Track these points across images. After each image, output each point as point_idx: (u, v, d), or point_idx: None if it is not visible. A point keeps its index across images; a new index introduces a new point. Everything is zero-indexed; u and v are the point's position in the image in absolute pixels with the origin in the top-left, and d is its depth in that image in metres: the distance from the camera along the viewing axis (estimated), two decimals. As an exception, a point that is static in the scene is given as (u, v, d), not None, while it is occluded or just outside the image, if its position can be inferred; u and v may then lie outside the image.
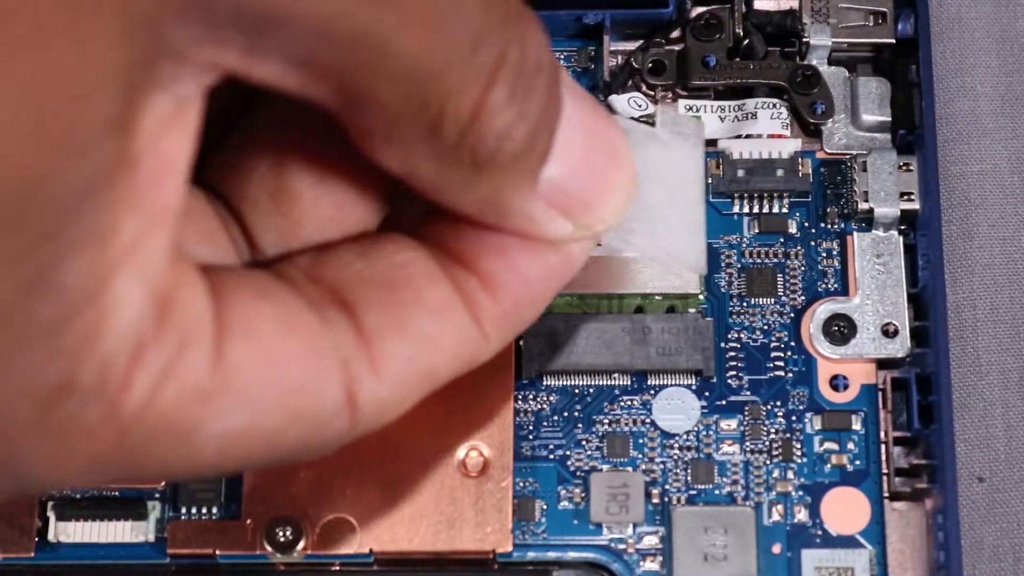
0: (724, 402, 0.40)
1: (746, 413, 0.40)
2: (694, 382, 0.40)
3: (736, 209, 0.42)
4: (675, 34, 0.43)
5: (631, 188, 0.33)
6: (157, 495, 0.39)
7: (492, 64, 0.28)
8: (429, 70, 0.28)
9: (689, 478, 0.39)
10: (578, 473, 0.40)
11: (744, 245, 0.41)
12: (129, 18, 0.24)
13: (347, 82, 0.28)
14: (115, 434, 0.27)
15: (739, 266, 0.41)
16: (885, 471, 0.39)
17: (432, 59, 0.28)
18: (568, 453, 0.40)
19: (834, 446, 0.40)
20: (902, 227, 0.41)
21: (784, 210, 0.41)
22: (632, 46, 0.43)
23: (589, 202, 0.32)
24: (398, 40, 0.27)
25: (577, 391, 0.40)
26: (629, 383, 0.40)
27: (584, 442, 0.40)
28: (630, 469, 0.40)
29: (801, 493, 0.39)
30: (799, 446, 0.40)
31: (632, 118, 0.42)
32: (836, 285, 0.41)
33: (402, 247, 0.31)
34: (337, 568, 0.39)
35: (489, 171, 0.30)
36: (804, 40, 0.42)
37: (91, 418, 0.26)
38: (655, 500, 0.39)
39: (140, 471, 0.28)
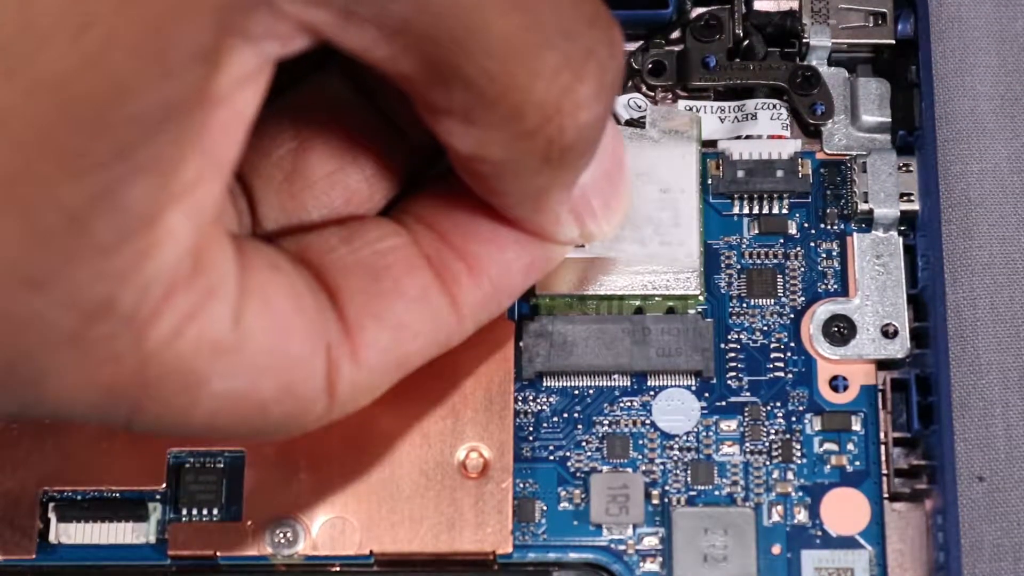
0: (724, 403, 0.40)
1: (746, 414, 0.40)
2: (694, 383, 0.40)
3: (736, 210, 0.42)
4: (675, 35, 0.43)
5: (629, 202, 0.34)
6: (158, 497, 0.40)
7: (581, 57, 0.29)
8: (522, 49, 0.28)
9: (689, 479, 0.40)
10: (578, 474, 0.40)
11: (744, 246, 0.41)
12: None
13: (437, 56, 0.28)
14: (135, 365, 0.27)
15: (739, 267, 0.41)
16: (885, 472, 0.39)
17: (526, 39, 0.28)
18: (568, 454, 0.40)
19: (834, 447, 0.40)
20: (902, 228, 0.41)
21: (784, 211, 0.41)
22: (632, 47, 0.43)
23: (601, 213, 0.33)
24: (497, 15, 0.27)
25: (577, 392, 0.40)
26: (629, 384, 0.40)
27: (584, 443, 0.40)
28: (630, 470, 0.40)
29: (801, 494, 0.39)
30: (799, 447, 0.40)
31: (632, 119, 0.42)
32: (836, 286, 0.41)
33: (385, 233, 0.32)
34: (337, 569, 0.39)
35: (557, 164, 0.30)
36: (804, 41, 0.42)
37: (120, 343, 0.27)
38: (655, 501, 0.39)
39: (140, 415, 0.29)
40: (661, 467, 0.40)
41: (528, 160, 0.30)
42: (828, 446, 0.40)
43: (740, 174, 0.41)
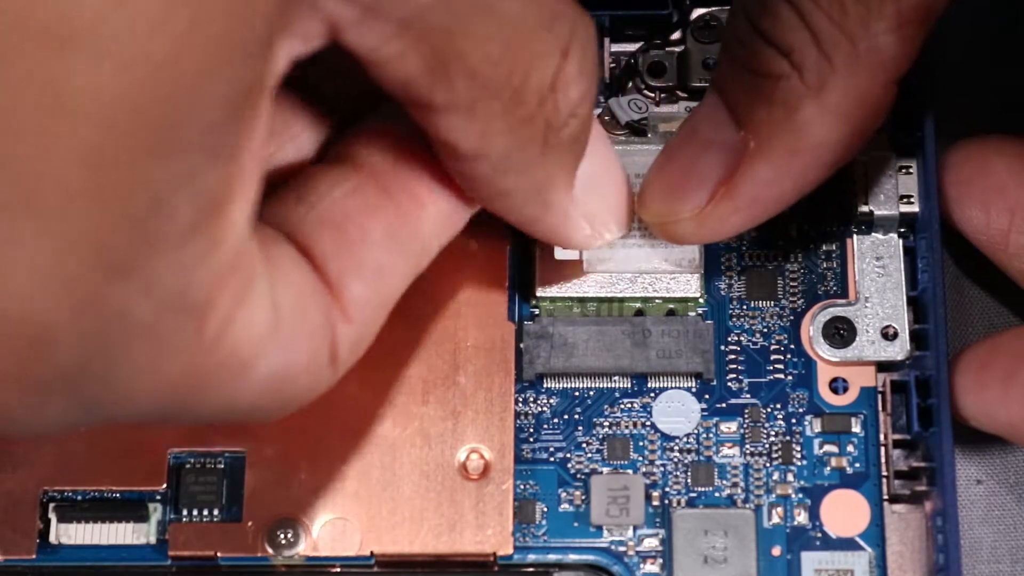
0: (724, 405, 0.40)
1: (746, 416, 0.40)
2: (694, 385, 0.40)
3: (736, 211, 0.42)
4: (675, 35, 0.43)
5: (630, 206, 0.36)
6: (158, 497, 0.40)
7: (567, 35, 0.30)
8: (522, 30, 0.29)
9: (689, 480, 0.40)
10: (578, 475, 0.40)
11: (744, 248, 0.41)
12: None
13: (444, 46, 0.29)
14: (196, 355, 0.27)
15: (739, 269, 0.41)
16: (885, 474, 0.39)
17: (526, 18, 0.29)
18: (568, 456, 0.40)
19: (834, 448, 0.40)
20: (902, 230, 0.41)
21: (783, 212, 0.41)
22: (632, 47, 0.43)
23: (608, 203, 0.35)
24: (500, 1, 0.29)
25: (577, 394, 0.40)
26: (629, 386, 0.40)
27: (584, 444, 0.40)
28: (630, 472, 0.40)
29: (801, 495, 0.39)
30: (799, 449, 0.40)
31: (632, 121, 0.42)
32: (836, 288, 0.41)
33: (335, 181, 0.32)
34: (338, 570, 0.39)
35: (553, 149, 0.31)
36: (804, 42, 0.42)
37: (185, 334, 0.27)
38: (655, 502, 0.39)
39: (192, 406, 0.29)
40: (661, 469, 0.40)
41: (529, 148, 0.31)
42: (828, 448, 0.40)
43: (740, 176, 0.41)
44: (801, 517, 0.39)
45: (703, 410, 0.40)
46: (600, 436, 0.40)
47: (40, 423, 0.28)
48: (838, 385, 0.40)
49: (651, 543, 0.39)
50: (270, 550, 0.39)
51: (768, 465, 0.40)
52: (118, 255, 0.25)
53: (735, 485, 0.39)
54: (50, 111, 0.23)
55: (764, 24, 0.34)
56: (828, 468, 0.39)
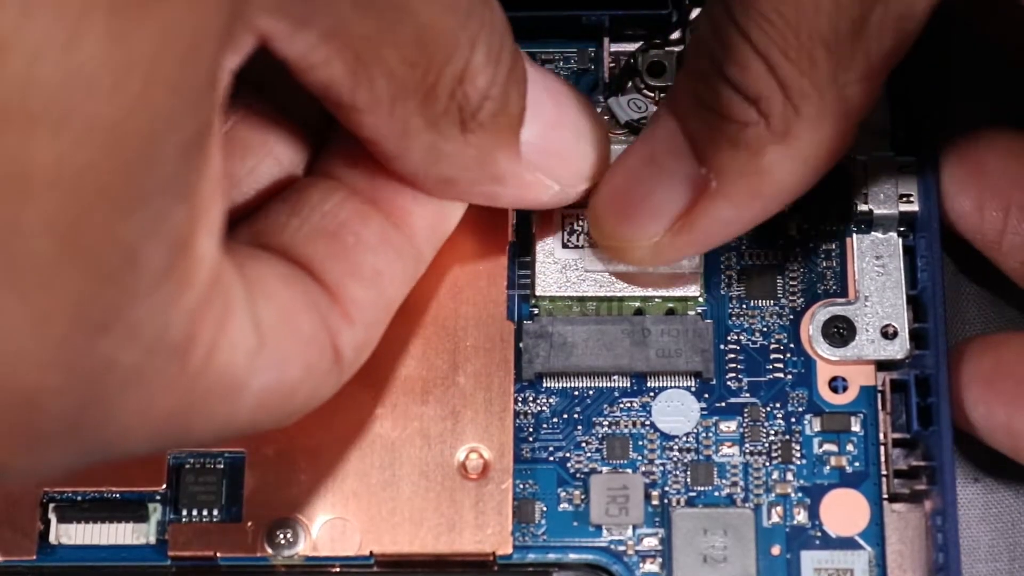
0: (723, 404, 0.40)
1: (745, 415, 0.40)
2: (694, 384, 0.40)
3: (735, 211, 0.41)
4: (675, 35, 0.43)
5: (604, 142, 0.37)
6: (158, 497, 0.40)
7: (476, 29, 0.32)
8: (439, 33, 0.31)
9: (688, 480, 0.40)
10: (578, 475, 0.40)
11: (743, 247, 0.41)
12: None
13: (366, 52, 0.30)
14: (184, 388, 0.28)
15: (738, 268, 0.41)
16: (884, 473, 0.39)
17: (443, 21, 0.31)
18: (568, 455, 0.40)
19: (833, 448, 0.40)
20: (901, 229, 0.41)
21: (783, 212, 0.41)
22: (632, 47, 0.43)
23: (567, 158, 0.36)
24: (422, 4, 0.30)
25: (577, 393, 0.40)
26: (629, 385, 0.40)
27: (584, 444, 0.40)
28: (630, 471, 0.40)
29: (800, 495, 0.39)
30: (798, 448, 0.40)
31: (632, 120, 0.42)
32: (835, 287, 0.41)
33: (326, 193, 0.34)
34: (337, 570, 0.39)
35: (475, 131, 0.33)
36: (803, 41, 0.42)
37: (171, 371, 0.27)
38: (655, 502, 0.39)
39: (188, 434, 0.29)
40: (661, 468, 0.40)
41: (449, 136, 0.32)
42: (827, 447, 0.40)
43: (740, 175, 0.41)
44: (801, 516, 0.39)
45: (702, 409, 0.40)
46: (599, 435, 0.40)
47: (36, 472, 0.28)
48: (838, 384, 0.40)
49: (651, 542, 0.39)
50: (270, 550, 0.39)
51: (768, 464, 0.40)
52: (98, 311, 0.25)
53: (735, 484, 0.39)
54: (14, 186, 0.23)
55: (730, 71, 0.33)
56: (828, 467, 0.39)
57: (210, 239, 0.28)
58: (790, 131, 0.34)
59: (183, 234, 0.27)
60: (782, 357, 0.40)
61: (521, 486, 0.39)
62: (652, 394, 0.40)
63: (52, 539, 0.39)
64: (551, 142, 0.35)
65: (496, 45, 0.32)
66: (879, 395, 0.40)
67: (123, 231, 0.25)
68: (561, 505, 0.39)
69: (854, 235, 0.41)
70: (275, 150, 0.35)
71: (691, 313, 0.40)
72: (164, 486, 0.39)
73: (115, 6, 0.23)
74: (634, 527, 0.39)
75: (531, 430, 0.40)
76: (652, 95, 0.42)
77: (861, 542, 0.39)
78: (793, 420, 0.40)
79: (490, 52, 0.32)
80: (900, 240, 0.41)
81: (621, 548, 0.39)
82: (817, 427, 0.40)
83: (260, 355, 0.30)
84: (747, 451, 0.40)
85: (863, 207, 0.41)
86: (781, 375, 0.40)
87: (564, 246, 0.40)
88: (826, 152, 0.34)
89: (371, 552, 0.39)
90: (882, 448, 0.39)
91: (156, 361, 0.27)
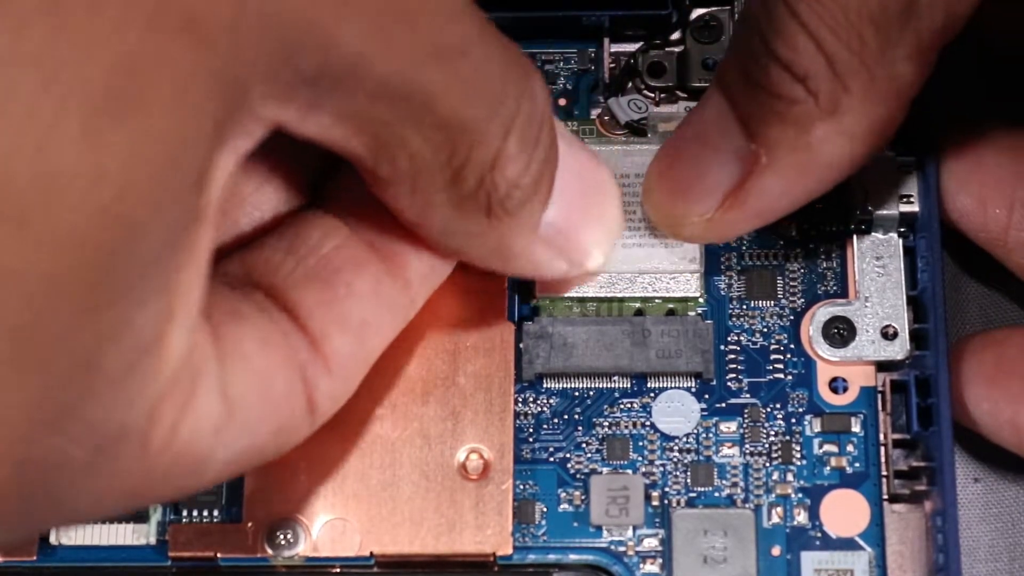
0: (724, 404, 0.40)
1: (746, 415, 0.40)
2: (694, 385, 0.40)
3: (736, 211, 0.41)
4: (675, 35, 0.43)
5: (618, 224, 0.36)
6: (158, 498, 0.40)
7: (510, 117, 0.30)
8: (464, 123, 0.29)
9: (689, 480, 0.40)
10: (578, 476, 0.40)
11: (744, 248, 0.41)
12: (223, 81, 0.25)
13: (386, 134, 0.29)
14: (145, 470, 0.28)
15: (739, 268, 0.41)
16: (884, 473, 0.39)
17: (467, 112, 0.29)
18: (568, 456, 0.40)
19: (833, 448, 0.40)
20: (901, 229, 0.41)
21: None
22: (632, 47, 0.43)
23: (583, 242, 0.35)
24: (444, 96, 0.29)
25: (577, 394, 0.40)
26: (629, 386, 0.40)
27: (584, 445, 0.40)
28: (630, 472, 0.40)
29: (800, 495, 0.39)
30: (798, 448, 0.40)
31: (632, 121, 0.42)
32: (835, 288, 0.41)
33: (327, 232, 0.33)
34: (337, 571, 0.39)
35: (499, 217, 0.32)
36: (804, 42, 0.42)
37: (128, 458, 0.27)
38: (655, 502, 0.39)
39: (155, 498, 0.29)
40: (661, 469, 0.40)
41: (472, 219, 0.31)
42: (828, 447, 0.40)
43: (740, 175, 0.41)
44: (801, 517, 0.39)
45: (703, 410, 0.40)
46: (600, 436, 0.40)
47: None
48: (838, 385, 0.40)
49: (651, 543, 0.39)
50: (270, 551, 0.39)
51: (768, 465, 0.40)
52: (51, 412, 0.25)
53: (735, 485, 0.39)
54: None
55: (779, 49, 0.34)
56: (828, 468, 0.39)
57: (184, 332, 0.27)
58: (839, 108, 0.34)
59: (153, 333, 0.26)
60: (782, 358, 0.40)
61: (521, 487, 0.39)
62: (652, 395, 0.40)
63: (52, 540, 0.39)
64: (571, 225, 0.34)
65: (533, 133, 0.31)
66: (879, 396, 0.40)
67: (80, 339, 0.24)
68: (561, 506, 0.39)
69: (854, 236, 0.41)
70: (278, 178, 0.34)
71: (691, 314, 0.40)
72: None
73: (92, 110, 0.22)
74: (634, 528, 0.39)
75: (531, 431, 0.40)
76: (652, 95, 0.43)
77: (861, 543, 0.39)
78: (793, 421, 0.40)
79: (525, 141, 0.31)
80: (900, 241, 0.41)
81: (621, 549, 0.39)
82: (817, 428, 0.40)
83: (228, 426, 0.29)
84: (747, 452, 0.40)
85: (863, 208, 0.40)
86: (781, 376, 0.40)
87: (564, 246, 0.40)
88: (876, 129, 0.34)
89: (371, 553, 0.39)
90: (882, 449, 0.39)
91: (113, 450, 0.27)
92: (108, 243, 0.24)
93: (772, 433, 0.40)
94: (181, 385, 0.28)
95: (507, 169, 0.31)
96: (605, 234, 0.36)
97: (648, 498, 0.39)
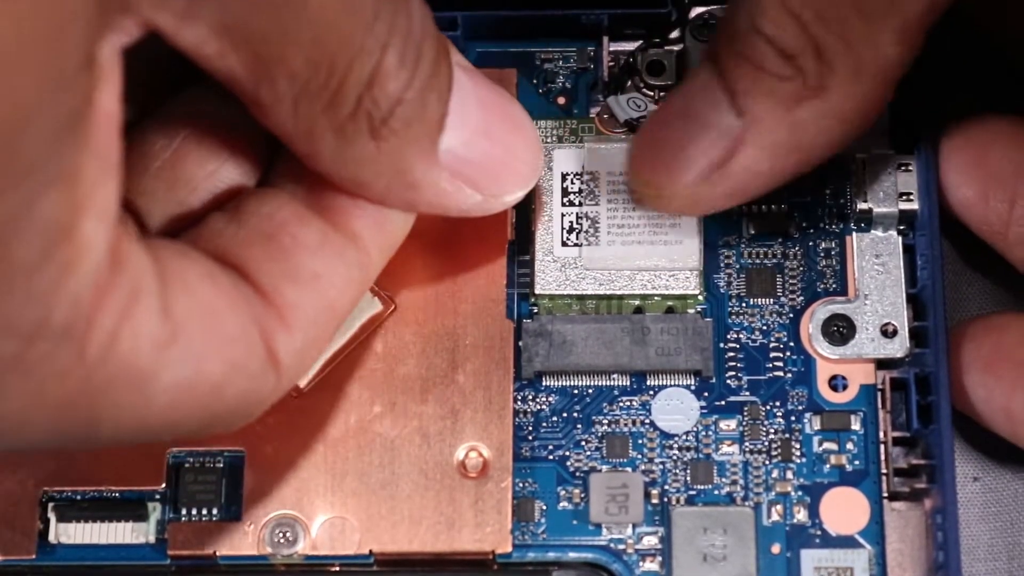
0: (723, 402, 0.40)
1: (745, 413, 0.40)
2: (693, 382, 0.40)
3: (735, 209, 0.41)
4: (674, 34, 0.43)
5: (535, 159, 0.35)
6: (157, 496, 0.39)
7: (387, 30, 0.30)
8: (340, 35, 0.30)
9: (688, 478, 0.40)
10: (577, 474, 0.40)
11: (743, 245, 0.41)
12: None
13: (262, 49, 0.29)
14: (82, 376, 0.28)
15: (738, 266, 0.41)
16: (884, 471, 0.39)
17: (343, 24, 0.30)
18: (567, 454, 0.40)
19: (833, 446, 0.40)
20: (901, 227, 0.41)
21: (783, 210, 0.41)
22: (631, 46, 0.43)
23: (493, 171, 0.34)
24: (318, 4, 0.29)
25: (576, 392, 0.40)
26: (628, 384, 0.40)
27: (583, 442, 0.40)
28: (629, 469, 0.40)
29: (800, 493, 0.39)
30: (798, 446, 0.40)
31: (631, 119, 0.42)
32: (835, 285, 0.41)
33: (266, 198, 0.33)
34: (337, 569, 0.39)
35: (386, 138, 0.32)
36: (803, 40, 0.42)
37: (62, 358, 0.27)
38: (654, 500, 0.39)
39: (99, 427, 0.29)
40: (660, 466, 0.40)
41: (359, 142, 0.31)
42: (827, 445, 0.40)
43: (739, 173, 0.41)
44: (800, 515, 0.39)
45: (702, 408, 0.40)
46: (599, 434, 0.40)
47: None
48: (837, 383, 0.40)
49: (650, 541, 0.39)
50: (269, 549, 0.39)
51: (767, 463, 0.40)
52: None
53: (734, 483, 0.39)
54: None
55: (766, 28, 0.34)
56: (827, 466, 0.39)
57: (97, 223, 0.27)
58: (824, 87, 0.34)
59: (61, 219, 0.26)
60: (782, 355, 0.40)
61: (520, 485, 0.39)
62: (652, 392, 0.40)
63: (51, 538, 0.39)
64: (474, 152, 0.34)
65: (412, 49, 0.31)
66: (879, 393, 0.40)
67: None
68: (561, 504, 0.39)
69: (854, 233, 0.41)
70: (225, 165, 0.34)
71: (691, 311, 0.40)
72: (163, 485, 0.39)
73: None
74: (634, 526, 0.39)
75: (530, 429, 0.40)
76: (651, 94, 0.42)
77: (861, 540, 0.39)
78: (793, 418, 0.40)
79: (404, 56, 0.31)
80: (900, 238, 0.41)
81: (621, 547, 0.39)
82: (817, 425, 0.40)
83: (172, 347, 0.29)
84: (747, 449, 0.40)
85: (863, 205, 0.41)
86: (781, 373, 0.40)
87: (563, 244, 0.41)
88: (861, 109, 0.35)
89: (370, 551, 0.39)
90: (882, 446, 0.39)
91: (39, 348, 0.27)
92: (3, 121, 0.24)
93: (772, 431, 0.40)
94: (118, 292, 0.28)
95: (387, 85, 0.31)
96: (518, 166, 0.35)
97: (647, 496, 0.39)
